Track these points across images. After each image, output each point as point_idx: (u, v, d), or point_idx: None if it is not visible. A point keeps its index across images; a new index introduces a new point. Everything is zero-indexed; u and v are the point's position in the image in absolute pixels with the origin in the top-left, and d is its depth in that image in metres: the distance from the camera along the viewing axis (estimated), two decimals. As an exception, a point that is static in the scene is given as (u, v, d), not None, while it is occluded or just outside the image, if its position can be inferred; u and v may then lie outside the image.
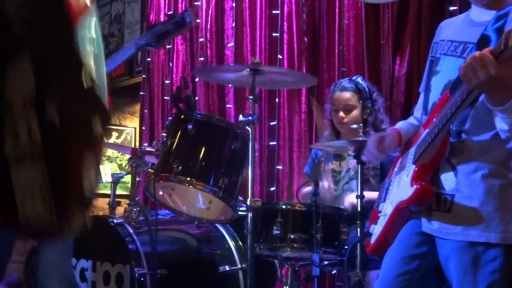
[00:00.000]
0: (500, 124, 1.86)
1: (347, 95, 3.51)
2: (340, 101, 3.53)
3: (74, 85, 1.06)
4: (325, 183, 3.57)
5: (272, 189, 4.76)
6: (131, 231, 3.08)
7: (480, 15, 2.09)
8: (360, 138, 2.95)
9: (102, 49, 1.18)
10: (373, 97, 3.51)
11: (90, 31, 1.13)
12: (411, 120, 2.40)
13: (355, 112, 3.48)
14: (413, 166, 2.09)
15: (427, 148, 2.02)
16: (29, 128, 0.97)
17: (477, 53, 1.77)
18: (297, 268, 3.23)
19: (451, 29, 2.25)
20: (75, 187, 1.06)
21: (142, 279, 2.96)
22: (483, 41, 1.95)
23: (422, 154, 2.05)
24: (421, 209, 2.07)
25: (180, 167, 3.01)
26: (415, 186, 2.02)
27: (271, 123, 4.83)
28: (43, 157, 0.99)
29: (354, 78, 3.61)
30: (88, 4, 1.12)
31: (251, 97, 2.98)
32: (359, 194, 2.99)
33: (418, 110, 2.35)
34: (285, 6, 4.82)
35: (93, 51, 1.12)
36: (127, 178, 3.75)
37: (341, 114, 3.50)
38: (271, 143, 4.81)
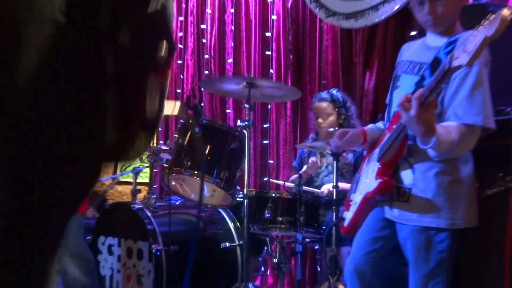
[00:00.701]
0: (430, 153, 1.94)
1: (324, 104, 3.63)
2: (319, 109, 3.65)
3: (144, 11, 0.88)
4: (313, 158, 3.64)
5: (264, 179, 4.80)
6: (149, 214, 3.13)
7: (434, 40, 2.10)
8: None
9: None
10: (347, 105, 3.66)
11: None
12: (379, 124, 2.40)
13: (331, 118, 3.59)
14: (378, 164, 2.11)
15: (389, 149, 2.05)
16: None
17: (404, 97, 1.86)
18: (284, 245, 3.26)
19: (410, 51, 2.26)
20: (140, 112, 0.92)
21: (158, 253, 3.00)
22: (435, 63, 1.96)
23: (385, 154, 2.08)
24: (385, 199, 2.10)
25: (189, 163, 3.04)
26: (379, 180, 2.06)
27: (264, 126, 4.89)
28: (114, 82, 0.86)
29: (330, 90, 3.76)
30: None
31: (247, 106, 3.05)
32: (334, 185, 3.05)
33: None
34: (275, 29, 4.84)
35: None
36: (147, 170, 3.80)
37: (320, 120, 3.63)
38: (264, 142, 4.88)
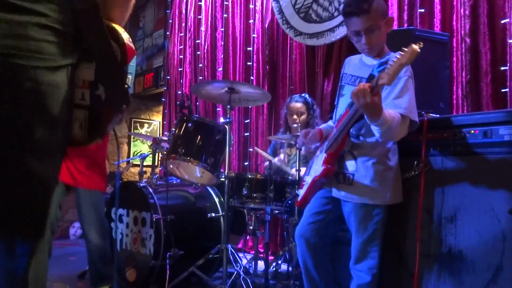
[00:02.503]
0: (375, 132, 1.92)
1: (299, 105, 3.61)
2: (295, 108, 3.61)
3: (119, 84, 1.28)
4: (281, 156, 3.64)
5: (245, 163, 4.87)
6: (151, 191, 3.13)
7: (369, 60, 2.11)
8: (299, 133, 2.88)
9: (134, 71, 1.42)
10: (314, 108, 3.65)
11: (132, 63, 1.35)
12: (330, 122, 2.39)
13: (303, 117, 3.58)
14: (324, 154, 2.12)
15: (333, 143, 2.08)
16: (83, 93, 1.25)
17: (361, 85, 1.82)
18: (258, 215, 3.32)
19: (352, 66, 2.23)
20: (101, 130, 1.29)
21: (157, 221, 3.01)
22: (370, 78, 1.95)
23: (330, 146, 2.10)
24: (329, 181, 2.09)
25: (183, 150, 3.02)
26: (324, 167, 2.08)
27: (245, 121, 4.93)
28: (87, 109, 1.25)
29: (303, 94, 3.74)
30: (135, 50, 1.34)
31: (229, 106, 3.02)
32: (297, 168, 3.06)
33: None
34: (255, 45, 4.88)
35: (131, 72, 1.35)
36: (151, 156, 3.74)
37: (295, 117, 3.57)
38: (245, 134, 4.91)
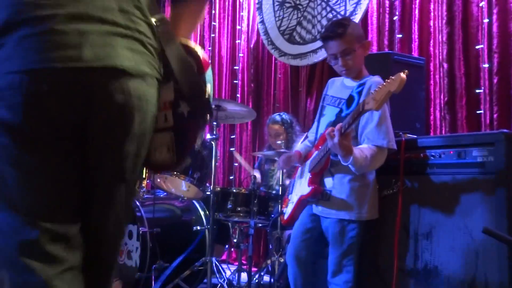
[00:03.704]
0: (351, 168, 1.93)
1: (276, 126, 3.61)
2: (272, 130, 3.64)
3: (201, 96, 1.20)
4: (257, 175, 3.55)
5: (231, 177, 4.81)
6: (138, 204, 3.07)
7: (349, 82, 2.13)
8: (282, 150, 3.04)
9: (211, 80, 1.28)
10: (293, 125, 3.63)
11: (208, 72, 1.26)
12: (306, 142, 2.37)
13: (281, 136, 3.55)
14: (309, 174, 2.11)
15: (317, 163, 2.06)
16: (165, 114, 1.16)
17: (330, 128, 1.86)
18: (242, 228, 3.25)
19: (334, 88, 2.24)
20: (189, 146, 1.23)
21: (144, 234, 2.96)
22: (350, 99, 2.01)
23: (314, 167, 2.08)
24: (314, 200, 2.11)
25: None
26: (311, 187, 2.07)
27: (231, 137, 4.90)
28: (171, 130, 1.16)
29: (281, 113, 3.73)
30: (209, 61, 1.30)
31: (215, 123, 3.04)
32: (280, 183, 3.09)
33: (311, 133, 2.34)
34: (241, 64, 4.87)
35: (209, 80, 1.25)
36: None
37: (272, 138, 3.62)
38: (230, 149, 4.87)
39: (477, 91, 2.96)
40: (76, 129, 0.98)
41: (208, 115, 1.24)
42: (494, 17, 2.90)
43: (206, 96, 1.22)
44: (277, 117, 3.69)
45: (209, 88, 1.24)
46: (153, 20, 1.12)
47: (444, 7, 3.17)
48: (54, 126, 0.95)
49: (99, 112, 0.99)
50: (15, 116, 0.92)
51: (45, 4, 0.93)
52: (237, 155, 3.99)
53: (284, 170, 2.51)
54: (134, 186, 1.15)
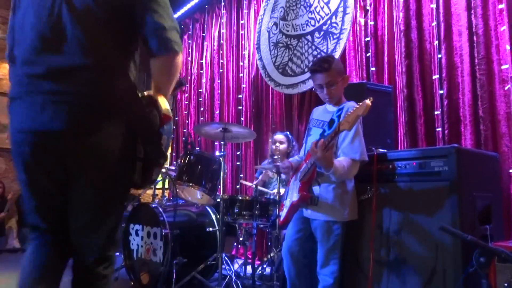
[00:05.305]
0: (331, 177, 1.96)
1: (281, 136, 3.63)
2: (278, 139, 3.60)
3: (157, 144, 1.33)
4: (269, 172, 3.59)
5: (237, 187, 4.78)
6: (161, 210, 3.08)
7: (331, 107, 2.14)
8: (278, 163, 2.82)
9: (170, 133, 1.39)
10: (293, 144, 3.64)
11: (170, 126, 1.37)
12: (296, 157, 2.39)
13: (284, 146, 3.56)
14: (299, 183, 2.10)
15: (306, 174, 2.06)
16: (140, 148, 1.34)
17: (313, 142, 1.87)
18: (247, 229, 3.29)
19: (318, 113, 2.25)
20: (150, 176, 1.37)
21: (166, 235, 2.96)
22: (331, 121, 1.93)
23: (303, 177, 2.07)
24: (304, 205, 2.09)
25: (187, 177, 3.06)
26: (300, 194, 2.06)
27: (237, 153, 4.88)
28: (141, 161, 1.33)
29: (285, 132, 3.74)
30: (170, 114, 1.36)
31: (223, 142, 3.04)
32: (278, 191, 2.97)
33: (301, 150, 2.36)
34: (244, 93, 4.87)
35: (166, 133, 1.36)
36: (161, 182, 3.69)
37: (277, 144, 3.57)
38: (237, 163, 4.86)
39: (436, 112, 2.97)
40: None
41: (161, 160, 1.35)
42: (443, 51, 2.91)
43: (160, 146, 1.32)
44: (281, 134, 3.70)
45: (165, 139, 1.33)
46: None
47: (403, 44, 3.17)
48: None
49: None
50: None
51: None
52: (243, 182, 4.09)
53: (283, 177, 2.49)
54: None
